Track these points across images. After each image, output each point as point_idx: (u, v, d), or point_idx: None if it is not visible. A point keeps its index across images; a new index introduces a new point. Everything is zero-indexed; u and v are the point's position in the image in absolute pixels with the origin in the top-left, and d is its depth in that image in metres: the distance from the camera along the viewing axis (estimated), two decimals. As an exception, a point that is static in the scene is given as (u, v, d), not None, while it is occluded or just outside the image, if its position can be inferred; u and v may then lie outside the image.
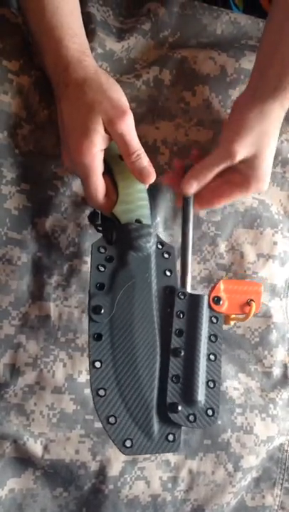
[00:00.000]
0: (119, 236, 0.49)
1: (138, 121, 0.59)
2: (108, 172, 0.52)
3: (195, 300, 0.48)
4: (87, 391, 0.54)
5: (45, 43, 0.52)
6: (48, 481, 0.53)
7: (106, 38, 0.60)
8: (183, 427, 0.45)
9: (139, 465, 0.55)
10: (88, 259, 0.56)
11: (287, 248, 0.64)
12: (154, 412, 0.44)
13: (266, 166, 0.54)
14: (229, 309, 0.50)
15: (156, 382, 0.45)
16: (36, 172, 0.56)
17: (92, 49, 0.59)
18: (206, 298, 0.49)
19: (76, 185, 0.57)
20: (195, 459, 0.57)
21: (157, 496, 0.55)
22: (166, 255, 0.50)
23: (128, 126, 0.49)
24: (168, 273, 0.49)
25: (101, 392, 0.44)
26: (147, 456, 0.55)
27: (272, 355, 0.61)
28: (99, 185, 0.50)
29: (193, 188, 0.53)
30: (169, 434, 0.44)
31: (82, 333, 0.55)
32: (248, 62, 0.63)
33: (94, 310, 0.45)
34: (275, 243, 0.63)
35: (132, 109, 0.59)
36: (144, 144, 0.59)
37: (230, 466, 0.57)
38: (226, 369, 0.59)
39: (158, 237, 0.50)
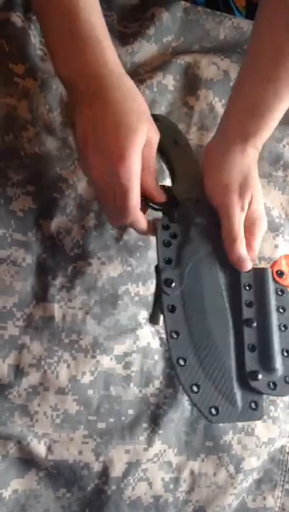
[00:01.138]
0: (181, 214, 0.50)
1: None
2: (162, 157, 0.55)
3: (260, 273, 0.51)
4: (91, 392, 0.55)
5: (78, 44, 0.47)
6: (52, 481, 0.53)
7: (110, 43, 0.60)
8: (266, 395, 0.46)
9: (142, 466, 0.55)
10: (93, 261, 0.57)
11: (288, 251, 0.64)
12: (235, 380, 0.45)
13: (260, 203, 0.53)
14: None
15: (233, 352, 0.46)
16: (41, 174, 0.57)
17: None
18: (269, 271, 0.51)
19: (81, 187, 0.58)
20: (197, 460, 0.57)
21: (159, 496, 0.56)
22: None
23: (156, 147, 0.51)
24: None
25: (181, 362, 0.45)
26: (150, 457, 0.55)
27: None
28: (138, 195, 0.47)
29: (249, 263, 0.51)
30: (251, 402, 0.45)
31: (86, 334, 0.56)
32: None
33: (165, 283, 0.47)
34: (276, 246, 0.63)
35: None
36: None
37: (231, 468, 0.58)
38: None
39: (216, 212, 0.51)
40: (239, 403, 0.45)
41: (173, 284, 0.47)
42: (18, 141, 0.56)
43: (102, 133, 0.45)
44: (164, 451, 0.56)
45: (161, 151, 0.53)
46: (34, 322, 0.55)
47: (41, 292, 0.56)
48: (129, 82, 0.48)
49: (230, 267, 0.50)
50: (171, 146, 0.54)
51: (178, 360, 0.44)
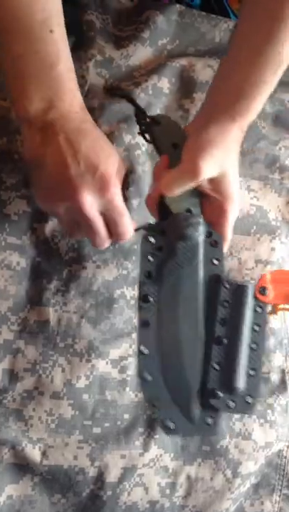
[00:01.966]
0: (170, 225, 0.50)
1: (137, 129, 0.59)
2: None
3: (240, 289, 0.50)
4: (86, 396, 0.54)
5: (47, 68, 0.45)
6: (46, 487, 0.53)
7: (105, 46, 0.61)
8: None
9: (138, 471, 0.54)
10: (88, 264, 0.57)
11: (285, 254, 0.64)
12: (196, 397, 0.46)
13: (235, 185, 0.51)
14: (276, 299, 0.51)
15: (199, 369, 0.47)
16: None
17: (92, 56, 0.59)
18: (251, 287, 0.50)
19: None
20: (193, 464, 0.57)
21: (156, 502, 0.55)
22: (213, 244, 0.51)
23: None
24: (215, 262, 0.50)
25: (146, 377, 0.46)
26: (146, 462, 0.55)
27: (269, 361, 0.61)
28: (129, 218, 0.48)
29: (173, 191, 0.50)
30: (208, 417, 0.46)
31: (81, 338, 0.55)
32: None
33: (143, 298, 0.47)
34: (272, 249, 0.63)
35: (130, 116, 0.60)
36: (143, 152, 0.60)
37: (228, 473, 0.57)
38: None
39: (206, 226, 0.50)
40: (196, 419, 0.46)
41: (150, 299, 0.47)
42: (12, 145, 0.56)
43: (83, 156, 0.45)
44: (160, 455, 0.56)
45: (160, 155, 0.53)
46: (29, 326, 0.55)
47: (36, 296, 0.55)
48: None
49: (212, 283, 0.50)
50: (169, 151, 0.53)
51: (143, 375, 0.46)
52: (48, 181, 0.46)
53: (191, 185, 0.49)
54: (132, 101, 0.57)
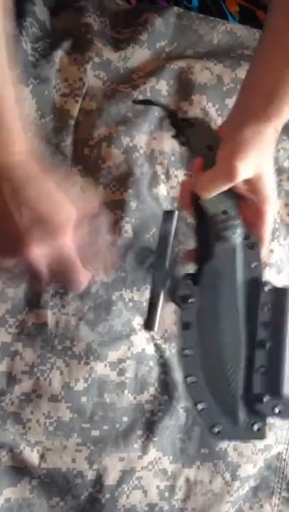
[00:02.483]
0: (207, 227, 0.49)
1: (136, 131, 0.59)
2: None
3: (280, 293, 0.49)
4: (84, 399, 0.54)
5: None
6: (45, 490, 0.53)
7: (103, 48, 0.61)
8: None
9: (137, 474, 0.54)
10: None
11: (283, 256, 0.64)
12: (241, 401, 0.45)
13: (272, 186, 0.50)
14: None
15: (242, 372, 0.46)
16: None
17: (89, 59, 0.59)
18: None
19: (73, 193, 0.58)
20: (192, 467, 0.57)
21: (154, 505, 0.55)
22: (251, 247, 0.50)
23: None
24: (253, 264, 0.49)
25: (190, 379, 0.45)
26: (145, 464, 0.55)
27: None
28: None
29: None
30: (254, 423, 0.45)
31: (80, 340, 0.55)
32: (244, 72, 0.63)
33: (183, 298, 0.46)
34: (271, 251, 0.63)
35: (129, 118, 0.60)
36: (142, 155, 0.60)
37: (227, 475, 0.57)
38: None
39: (244, 228, 0.49)
40: (242, 423, 0.45)
41: (190, 300, 0.47)
42: None
43: (27, 210, 0.42)
44: (159, 458, 0.55)
45: (194, 157, 0.52)
46: (27, 329, 0.55)
47: (34, 299, 0.55)
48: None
49: (251, 286, 0.49)
50: (204, 153, 0.52)
51: (187, 377, 0.45)
52: None
53: (226, 186, 0.48)
54: (163, 106, 0.57)
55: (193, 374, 0.45)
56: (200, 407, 0.45)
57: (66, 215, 0.43)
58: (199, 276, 0.47)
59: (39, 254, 0.42)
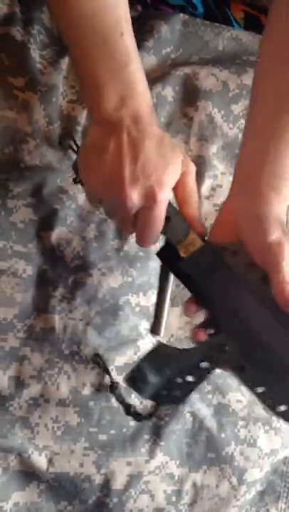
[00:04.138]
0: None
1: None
2: None
3: None
4: (92, 403, 0.55)
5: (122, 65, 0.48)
6: (53, 494, 0.53)
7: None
8: None
9: (144, 478, 0.55)
10: (93, 271, 0.57)
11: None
12: None
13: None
14: None
15: None
16: (42, 186, 0.57)
17: None
18: None
19: (81, 198, 0.58)
20: (199, 472, 0.57)
21: (162, 509, 0.55)
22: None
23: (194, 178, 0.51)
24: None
25: (282, 408, 0.45)
26: (152, 469, 0.55)
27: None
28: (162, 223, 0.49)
29: None
30: None
31: (87, 345, 0.56)
32: (250, 78, 0.63)
33: (220, 351, 0.46)
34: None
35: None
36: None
37: (234, 480, 0.57)
38: (228, 381, 0.59)
39: None
40: None
41: (227, 348, 0.46)
42: (18, 154, 0.57)
43: (142, 164, 0.46)
44: (166, 463, 0.56)
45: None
46: (35, 333, 0.55)
47: (42, 303, 0.56)
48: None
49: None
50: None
51: (275, 407, 0.45)
52: (102, 172, 0.47)
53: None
54: None
55: (280, 402, 0.45)
56: (259, 390, 0.45)
57: (174, 175, 0.47)
58: (215, 320, 0.47)
59: (134, 202, 0.46)
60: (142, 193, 0.46)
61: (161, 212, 0.47)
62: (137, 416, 0.54)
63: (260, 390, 0.45)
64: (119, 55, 0.47)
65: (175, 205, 0.50)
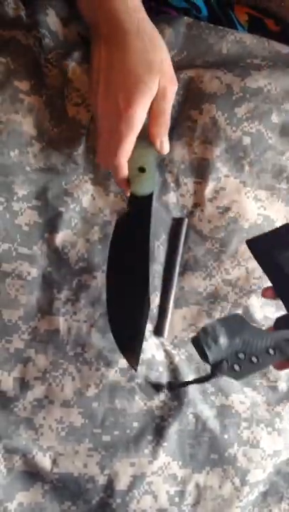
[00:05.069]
0: (278, 263, 0.50)
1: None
2: None
3: None
4: (95, 404, 0.55)
5: None
6: (57, 494, 0.53)
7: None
8: None
9: (147, 479, 0.55)
10: (97, 274, 0.58)
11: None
12: None
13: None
14: None
15: None
16: (47, 189, 0.58)
17: None
18: None
19: (86, 201, 0.59)
20: (202, 473, 0.57)
21: (164, 510, 0.56)
22: None
23: (173, 97, 0.51)
24: None
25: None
26: (155, 470, 0.55)
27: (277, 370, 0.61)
28: (132, 144, 0.50)
29: None
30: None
31: (91, 347, 0.56)
32: (254, 81, 0.64)
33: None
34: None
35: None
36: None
37: (237, 481, 0.58)
38: (231, 383, 0.60)
39: None
40: None
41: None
42: (23, 157, 0.57)
43: (114, 78, 0.48)
44: (169, 463, 0.56)
45: None
46: (39, 335, 0.55)
47: (46, 305, 0.56)
48: (149, 28, 0.50)
49: None
50: None
51: None
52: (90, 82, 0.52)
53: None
54: None
55: None
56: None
57: (142, 96, 0.48)
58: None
59: (106, 114, 0.49)
60: (110, 103, 0.48)
61: (127, 127, 0.48)
62: (172, 384, 0.55)
63: None
64: None
65: None
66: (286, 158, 0.64)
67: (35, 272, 0.56)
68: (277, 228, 0.52)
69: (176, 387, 0.56)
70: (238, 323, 0.47)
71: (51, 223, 0.57)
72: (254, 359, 0.46)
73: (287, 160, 0.64)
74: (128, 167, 0.53)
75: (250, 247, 0.51)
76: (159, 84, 0.49)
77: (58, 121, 0.59)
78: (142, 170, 0.53)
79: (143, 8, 0.51)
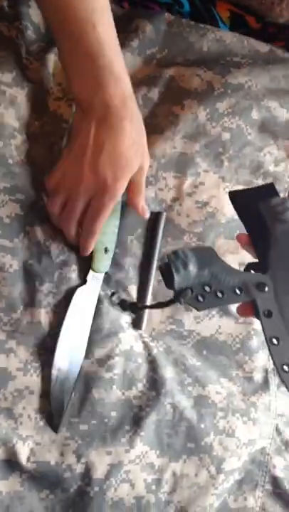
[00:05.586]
0: (259, 214, 0.48)
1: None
2: None
3: None
4: (74, 394, 0.56)
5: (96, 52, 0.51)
6: (35, 483, 0.54)
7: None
8: None
9: (124, 468, 0.56)
10: (77, 267, 0.58)
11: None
12: None
13: None
14: None
15: None
16: (28, 181, 0.58)
17: None
18: None
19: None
20: (179, 461, 0.58)
21: (141, 497, 0.57)
22: None
23: (146, 171, 0.57)
24: None
25: (285, 368, 0.45)
26: (132, 458, 0.56)
27: (253, 361, 0.63)
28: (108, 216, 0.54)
29: None
30: None
31: (70, 338, 0.57)
32: (234, 78, 0.65)
33: (258, 287, 0.46)
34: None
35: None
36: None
37: (212, 469, 0.59)
38: (208, 374, 0.61)
39: None
40: None
41: (266, 288, 0.46)
42: (6, 149, 0.58)
43: (104, 157, 0.51)
44: (146, 452, 0.57)
45: None
46: (21, 327, 0.56)
47: (28, 298, 0.57)
48: (138, 114, 0.54)
49: None
50: None
51: (282, 365, 0.45)
52: (69, 152, 0.53)
53: None
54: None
55: (286, 362, 0.45)
56: (274, 341, 0.45)
57: (129, 174, 0.53)
58: (266, 263, 0.47)
59: (90, 185, 0.52)
60: (96, 178, 0.51)
61: (110, 202, 0.53)
62: (133, 307, 0.56)
63: (274, 341, 0.46)
64: (88, 48, 0.51)
65: None
66: (264, 154, 0.66)
67: (16, 265, 0.57)
68: (259, 186, 0.52)
69: (138, 309, 0.57)
70: (210, 256, 0.46)
71: (33, 216, 0.58)
72: (219, 294, 0.46)
73: (264, 156, 0.66)
74: (95, 246, 0.57)
75: (231, 198, 0.51)
76: (140, 163, 0.54)
77: (40, 114, 0.59)
78: (106, 251, 0.59)
79: (134, 96, 0.54)
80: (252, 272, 0.48)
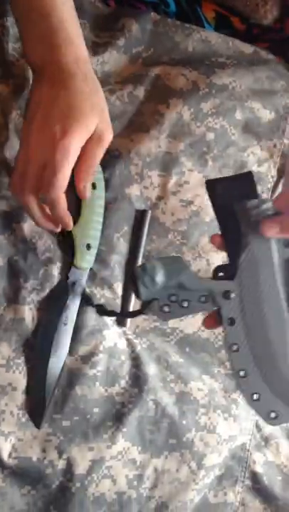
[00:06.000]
0: (234, 216, 0.47)
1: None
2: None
3: None
4: (56, 390, 0.56)
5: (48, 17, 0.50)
6: (17, 479, 0.54)
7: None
8: None
9: (106, 464, 0.56)
10: (61, 264, 0.58)
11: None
12: None
13: None
14: None
15: None
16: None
17: None
18: None
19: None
20: (160, 457, 0.59)
21: (123, 493, 0.57)
22: None
23: (107, 145, 0.51)
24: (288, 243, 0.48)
25: (241, 373, 0.46)
26: (114, 454, 0.57)
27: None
28: (67, 177, 0.48)
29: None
30: None
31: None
32: (218, 78, 0.66)
33: (224, 295, 0.46)
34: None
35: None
36: (117, 156, 0.62)
37: (193, 464, 0.60)
38: (190, 371, 0.62)
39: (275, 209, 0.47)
40: None
41: (232, 296, 0.46)
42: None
43: (54, 111, 0.47)
44: (128, 448, 0.58)
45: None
46: (4, 323, 0.56)
47: (12, 294, 0.57)
48: (93, 76, 0.51)
49: (287, 266, 0.48)
50: None
51: (239, 371, 0.46)
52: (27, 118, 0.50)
53: None
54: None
55: (245, 367, 0.46)
56: (255, 397, 0.46)
57: (84, 133, 0.48)
58: (235, 269, 0.47)
59: (35, 149, 0.48)
60: (46, 133, 0.47)
61: (63, 157, 0.47)
62: (110, 312, 0.55)
63: (234, 347, 0.46)
64: (42, 7, 0.50)
65: None
66: (247, 154, 0.66)
67: (1, 261, 0.57)
68: (238, 175, 0.51)
69: (107, 314, 0.56)
70: (178, 265, 0.46)
71: (19, 213, 0.58)
72: (185, 304, 0.46)
73: (248, 156, 0.66)
74: (76, 241, 0.56)
75: (208, 188, 0.49)
76: (97, 126, 0.49)
77: (24, 111, 0.59)
78: (88, 247, 0.58)
79: (89, 60, 0.52)
80: (220, 274, 0.48)
